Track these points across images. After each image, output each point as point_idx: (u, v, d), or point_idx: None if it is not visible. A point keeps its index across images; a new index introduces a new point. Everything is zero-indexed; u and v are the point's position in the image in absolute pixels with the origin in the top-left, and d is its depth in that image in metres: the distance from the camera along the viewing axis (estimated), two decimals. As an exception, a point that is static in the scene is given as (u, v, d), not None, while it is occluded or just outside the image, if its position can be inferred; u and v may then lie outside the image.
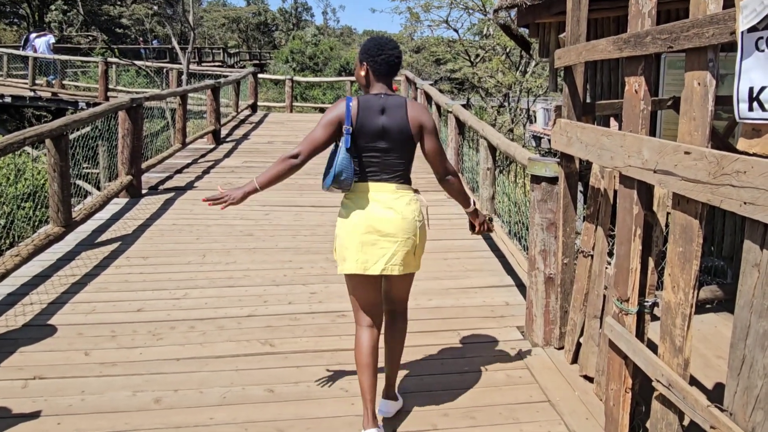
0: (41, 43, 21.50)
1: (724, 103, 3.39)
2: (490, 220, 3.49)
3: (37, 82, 20.54)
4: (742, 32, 2.21)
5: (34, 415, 3.47)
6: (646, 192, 3.02)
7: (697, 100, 2.45)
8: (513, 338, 4.51)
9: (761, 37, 2.16)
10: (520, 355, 4.23)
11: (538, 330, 4.33)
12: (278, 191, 8.83)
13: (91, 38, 39.25)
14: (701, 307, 4.93)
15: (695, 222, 2.51)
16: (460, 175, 8.56)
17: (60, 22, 39.72)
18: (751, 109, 2.22)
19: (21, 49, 22.44)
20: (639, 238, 3.03)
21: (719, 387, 3.63)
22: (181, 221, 7.34)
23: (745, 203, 2.18)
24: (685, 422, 2.76)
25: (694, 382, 3.76)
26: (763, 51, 2.16)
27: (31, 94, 20.38)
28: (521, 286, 5.31)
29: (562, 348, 4.23)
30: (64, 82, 21.22)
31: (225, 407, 3.58)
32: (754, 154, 2.24)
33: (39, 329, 4.52)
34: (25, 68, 21.37)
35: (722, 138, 4.19)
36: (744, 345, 2.26)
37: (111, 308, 4.91)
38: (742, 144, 2.30)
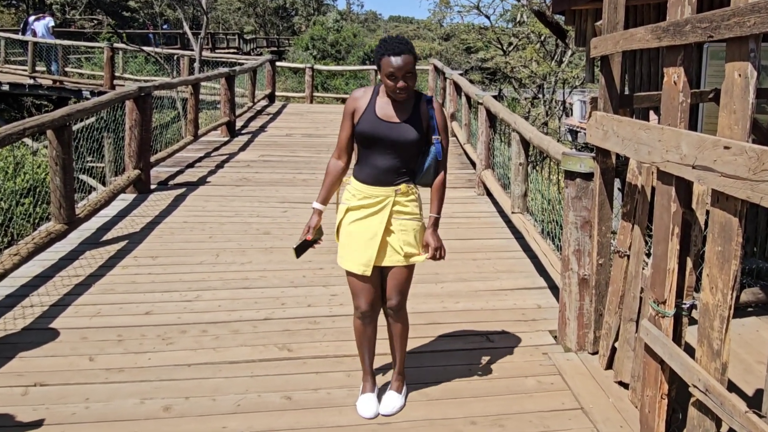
0: (40, 27, 21.47)
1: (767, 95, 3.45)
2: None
3: (37, 68, 20.60)
4: (784, 22, 2.27)
5: (36, 424, 3.50)
6: (684, 189, 3.09)
7: (737, 92, 2.52)
8: (545, 343, 4.59)
9: (803, 28, 2.22)
10: (552, 361, 4.30)
11: (571, 334, 4.40)
12: (297, 187, 8.97)
13: (95, 22, 39.62)
14: (743, 311, 4.97)
15: (735, 220, 2.58)
16: (487, 171, 8.63)
17: (62, 4, 39.89)
18: (792, 102, 2.29)
19: (20, 33, 22.48)
20: (677, 237, 3.10)
21: (760, 393, 3.68)
22: (193, 219, 7.44)
23: (785, 200, 2.25)
24: (723, 429, 2.84)
25: (733, 388, 3.81)
26: (804, 42, 2.23)
27: (31, 81, 20.30)
28: (554, 288, 5.36)
29: (596, 353, 4.30)
30: (66, 69, 21.19)
31: (239, 415, 3.64)
32: (795, 150, 2.30)
33: (40, 333, 4.57)
34: (24, 54, 21.27)
35: (766, 133, 4.23)
36: (783, 348, 2.33)
37: (117, 311, 4.97)
38: (783, 138, 2.36)
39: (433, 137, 3.45)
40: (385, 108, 3.42)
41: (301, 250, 3.65)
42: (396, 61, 3.22)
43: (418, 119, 3.42)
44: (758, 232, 5.35)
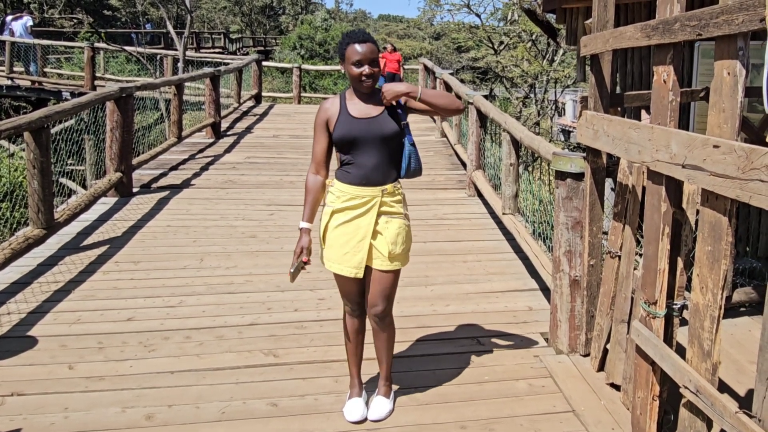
0: (18, 26, 21.36)
1: (758, 94, 3.49)
2: None
3: (14, 69, 20.51)
4: (772, 20, 2.31)
5: (12, 435, 3.49)
6: (674, 188, 3.13)
7: (726, 90, 2.56)
8: (536, 345, 4.63)
9: (790, 25, 2.26)
10: (544, 363, 4.33)
11: (562, 336, 4.44)
12: (284, 189, 8.98)
13: (75, 21, 39.37)
14: (735, 311, 5.04)
15: (724, 219, 2.61)
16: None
17: (41, 2, 39.55)
18: (780, 100, 2.32)
19: None
20: (667, 237, 3.14)
21: (752, 393, 3.72)
22: (177, 222, 7.44)
23: (774, 199, 2.28)
24: (714, 430, 2.88)
25: (726, 389, 3.86)
26: (792, 40, 2.26)
27: (9, 82, 20.27)
28: (546, 290, 5.40)
29: (588, 355, 4.34)
30: (45, 69, 21.09)
31: (224, 423, 3.64)
32: (783, 148, 2.34)
33: (17, 341, 4.55)
34: (1, 54, 21.12)
35: (757, 132, 4.28)
36: (773, 347, 2.36)
37: (98, 317, 4.96)
38: (771, 137, 2.40)
39: (402, 123, 3.50)
40: (358, 107, 3.48)
41: (295, 273, 3.63)
42: (361, 47, 3.36)
43: (393, 110, 3.49)
44: (750, 232, 5.40)
